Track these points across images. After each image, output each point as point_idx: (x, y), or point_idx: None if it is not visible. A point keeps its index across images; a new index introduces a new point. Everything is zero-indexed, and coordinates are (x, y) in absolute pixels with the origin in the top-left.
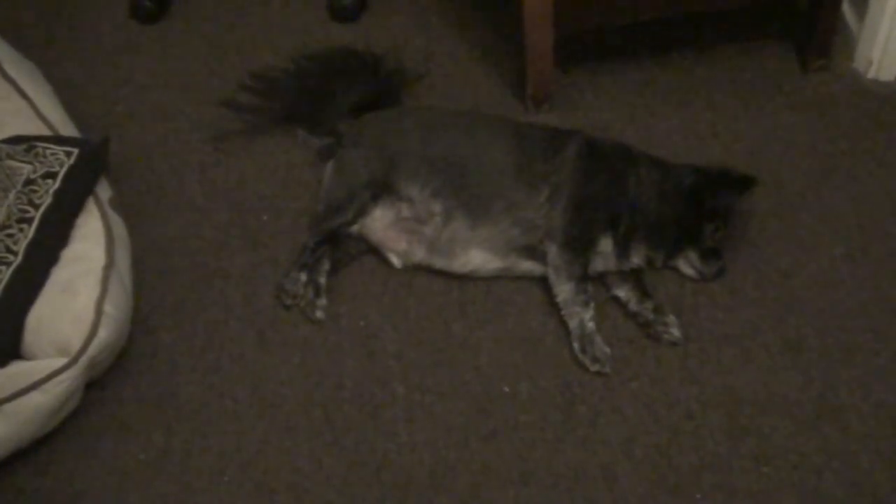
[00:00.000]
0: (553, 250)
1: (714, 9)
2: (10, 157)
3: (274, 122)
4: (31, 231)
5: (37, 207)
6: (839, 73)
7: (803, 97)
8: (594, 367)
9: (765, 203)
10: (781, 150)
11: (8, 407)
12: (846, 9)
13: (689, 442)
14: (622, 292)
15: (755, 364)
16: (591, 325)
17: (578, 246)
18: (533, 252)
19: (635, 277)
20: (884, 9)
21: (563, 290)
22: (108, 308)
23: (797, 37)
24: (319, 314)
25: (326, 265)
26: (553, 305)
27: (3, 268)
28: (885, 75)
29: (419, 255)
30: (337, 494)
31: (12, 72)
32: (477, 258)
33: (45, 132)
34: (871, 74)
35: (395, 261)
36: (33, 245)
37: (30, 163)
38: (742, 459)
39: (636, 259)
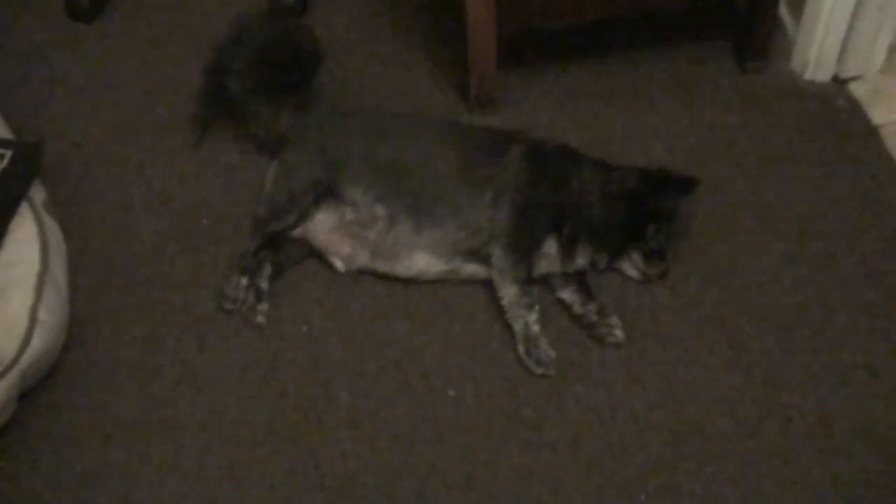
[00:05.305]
0: (497, 253)
1: (654, 10)
2: None
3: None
4: None
5: None
6: (777, 74)
7: (742, 98)
8: (539, 370)
9: (706, 204)
10: (722, 150)
11: None
12: (783, 10)
13: (633, 443)
14: (567, 294)
15: (698, 364)
16: (535, 327)
17: (523, 248)
18: (478, 255)
19: (579, 280)
20: (819, 10)
21: (508, 293)
22: (42, 315)
23: (736, 38)
24: (261, 319)
25: (268, 269)
26: (498, 308)
27: None
28: (822, 76)
29: (363, 259)
30: (281, 503)
31: None
32: (421, 262)
33: None
34: (807, 75)
35: (339, 265)
36: None
37: None
38: (686, 460)
39: (581, 261)
